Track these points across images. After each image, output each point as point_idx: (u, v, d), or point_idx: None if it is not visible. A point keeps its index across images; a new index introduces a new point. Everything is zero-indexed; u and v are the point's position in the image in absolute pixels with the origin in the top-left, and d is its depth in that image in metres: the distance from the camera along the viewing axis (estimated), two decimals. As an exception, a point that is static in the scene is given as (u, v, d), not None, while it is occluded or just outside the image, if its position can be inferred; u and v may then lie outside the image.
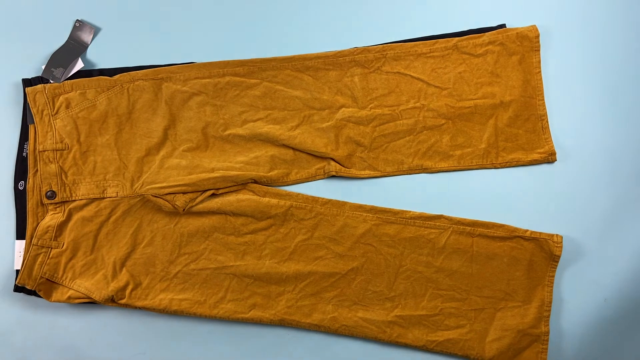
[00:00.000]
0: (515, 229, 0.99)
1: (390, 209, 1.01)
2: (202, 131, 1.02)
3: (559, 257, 0.97)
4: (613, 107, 1.05)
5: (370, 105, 1.03)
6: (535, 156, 1.02)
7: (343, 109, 1.03)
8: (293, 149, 1.02)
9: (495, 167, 1.03)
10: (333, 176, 1.03)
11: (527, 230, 0.99)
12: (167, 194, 0.98)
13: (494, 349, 0.97)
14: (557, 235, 0.98)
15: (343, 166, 1.02)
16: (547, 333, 0.97)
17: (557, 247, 0.97)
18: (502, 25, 1.06)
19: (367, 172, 1.03)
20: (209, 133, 1.03)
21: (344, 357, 1.00)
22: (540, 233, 0.98)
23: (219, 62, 1.03)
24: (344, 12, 1.09)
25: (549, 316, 0.97)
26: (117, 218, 1.00)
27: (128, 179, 1.01)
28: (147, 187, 0.99)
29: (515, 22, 1.06)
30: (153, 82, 1.03)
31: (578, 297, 1.00)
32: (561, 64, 1.06)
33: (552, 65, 1.05)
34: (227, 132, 1.02)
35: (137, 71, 1.03)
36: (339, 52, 1.04)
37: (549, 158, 1.02)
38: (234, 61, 1.03)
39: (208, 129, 1.03)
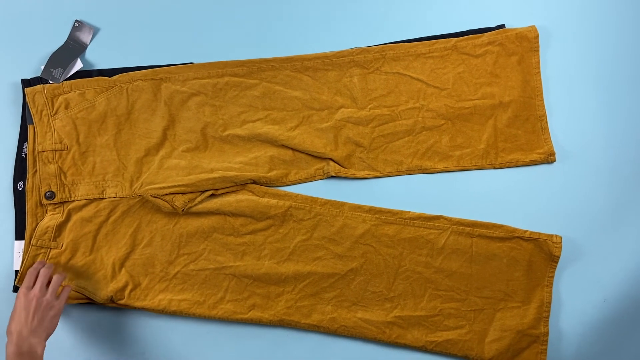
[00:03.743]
0: (515, 230, 0.99)
1: (389, 209, 1.01)
2: (201, 131, 1.02)
3: (558, 257, 0.97)
4: (612, 108, 1.05)
5: (369, 106, 1.03)
6: (535, 156, 1.02)
7: (342, 109, 1.03)
8: (292, 149, 1.02)
9: (495, 168, 1.03)
10: (332, 176, 1.03)
11: (526, 231, 0.99)
12: (166, 195, 0.98)
13: (494, 350, 0.97)
14: (556, 235, 0.98)
15: (342, 166, 1.02)
16: (546, 333, 0.97)
17: (556, 247, 0.97)
18: (502, 26, 1.06)
19: (366, 173, 1.03)
20: (208, 133, 1.03)
21: (343, 358, 1.00)
22: (539, 233, 0.98)
23: (218, 63, 1.03)
24: (344, 12, 1.09)
25: (548, 317, 0.97)
26: (116, 218, 1.00)
27: (127, 180, 1.01)
28: (146, 187, 0.99)
29: (514, 22, 1.06)
30: (152, 82, 1.03)
31: (577, 298, 1.00)
32: (560, 64, 1.06)
33: (551, 66, 1.05)
34: (226, 132, 1.02)
35: (136, 71, 1.03)
36: (338, 52, 1.04)
37: (548, 158, 1.02)
38: (233, 61, 1.03)
39: (207, 130, 1.03)
